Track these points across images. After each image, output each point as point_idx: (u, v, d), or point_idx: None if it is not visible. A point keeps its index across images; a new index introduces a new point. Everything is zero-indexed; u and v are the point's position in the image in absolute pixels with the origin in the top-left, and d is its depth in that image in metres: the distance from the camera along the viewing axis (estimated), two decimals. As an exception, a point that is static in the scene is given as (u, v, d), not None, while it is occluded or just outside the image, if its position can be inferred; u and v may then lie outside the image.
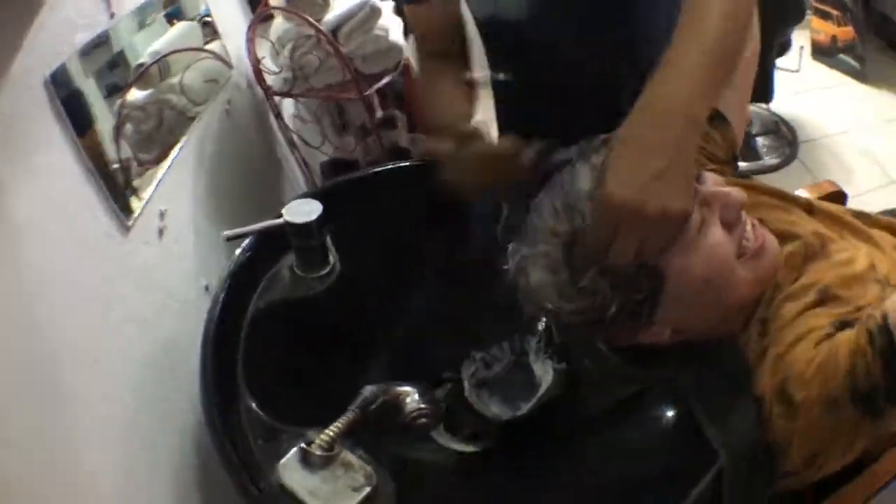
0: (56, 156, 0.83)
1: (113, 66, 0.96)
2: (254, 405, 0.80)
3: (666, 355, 0.78)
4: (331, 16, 1.47)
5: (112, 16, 0.98)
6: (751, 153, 2.70)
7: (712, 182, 0.75)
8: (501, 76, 1.19)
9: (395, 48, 1.56)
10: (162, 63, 1.08)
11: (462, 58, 1.14)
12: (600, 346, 0.88)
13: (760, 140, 2.98)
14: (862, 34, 3.31)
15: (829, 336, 0.69)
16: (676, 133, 0.68)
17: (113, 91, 0.96)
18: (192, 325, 1.07)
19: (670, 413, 0.79)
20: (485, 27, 1.14)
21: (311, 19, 1.41)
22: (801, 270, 0.79)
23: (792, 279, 0.78)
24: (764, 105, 2.99)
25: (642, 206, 0.65)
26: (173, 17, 1.15)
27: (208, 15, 1.29)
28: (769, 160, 2.75)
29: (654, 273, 0.71)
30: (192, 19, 1.24)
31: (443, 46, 1.13)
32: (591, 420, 0.89)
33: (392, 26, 1.51)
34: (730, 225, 0.73)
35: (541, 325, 1.01)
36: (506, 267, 0.80)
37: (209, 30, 1.30)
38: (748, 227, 0.75)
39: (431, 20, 1.13)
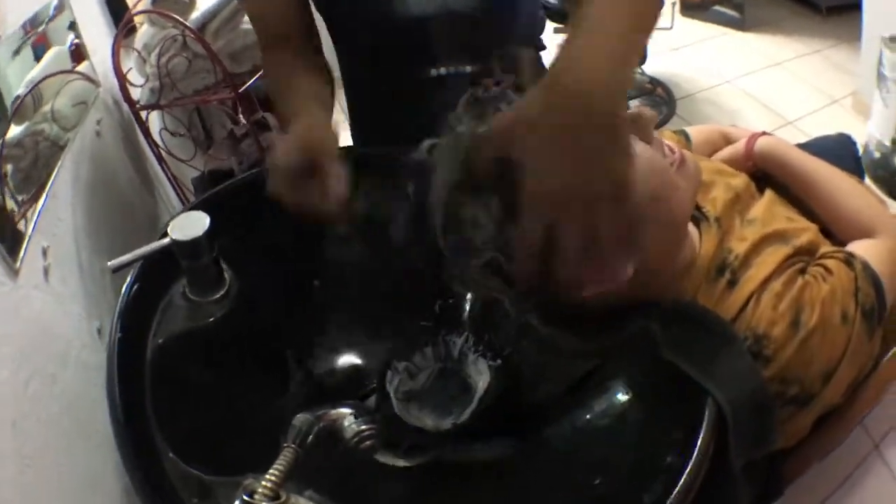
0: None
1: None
2: (178, 459, 0.72)
3: (615, 321, 0.76)
4: (196, 14, 1.40)
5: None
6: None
7: None
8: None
9: (264, 42, 1.49)
10: (35, 92, 0.98)
11: (310, 44, 1.05)
12: (533, 323, 0.84)
13: (634, 104, 3.03)
14: (740, -19, 3.36)
15: (803, 269, 0.78)
16: (603, 108, 0.58)
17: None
18: (93, 374, 0.98)
19: (631, 385, 0.75)
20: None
21: (176, 16, 1.33)
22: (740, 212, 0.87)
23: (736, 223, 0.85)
24: (637, 68, 3.05)
25: (580, 188, 0.56)
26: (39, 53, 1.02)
27: (77, 38, 1.18)
28: (646, 122, 2.86)
29: None
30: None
31: (285, 30, 1.02)
32: (545, 410, 0.84)
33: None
34: (648, 143, 0.73)
35: (465, 319, 0.97)
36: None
37: (78, 51, 1.20)
38: (664, 144, 0.75)
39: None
